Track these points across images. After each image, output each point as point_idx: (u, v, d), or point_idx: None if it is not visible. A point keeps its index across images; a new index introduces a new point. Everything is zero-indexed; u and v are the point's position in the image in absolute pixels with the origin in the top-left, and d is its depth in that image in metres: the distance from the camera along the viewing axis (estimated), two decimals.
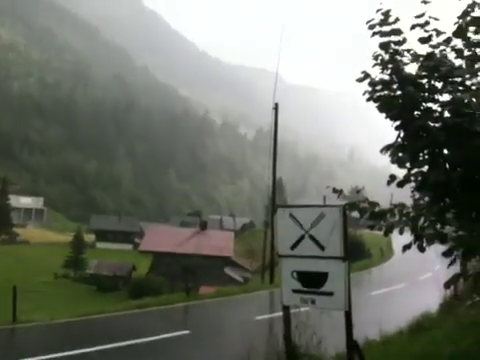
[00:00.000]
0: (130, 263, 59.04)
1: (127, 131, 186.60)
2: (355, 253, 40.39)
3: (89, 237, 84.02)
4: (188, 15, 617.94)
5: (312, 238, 5.74)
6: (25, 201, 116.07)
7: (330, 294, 5.61)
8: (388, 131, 4.43)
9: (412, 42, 4.24)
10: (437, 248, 4.33)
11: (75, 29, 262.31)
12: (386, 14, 4.14)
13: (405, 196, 4.63)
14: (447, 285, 4.26)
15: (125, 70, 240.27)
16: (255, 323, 12.73)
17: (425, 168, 4.16)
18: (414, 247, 4.33)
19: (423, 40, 4.17)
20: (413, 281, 25.31)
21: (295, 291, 5.90)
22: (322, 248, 5.67)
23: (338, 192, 4.74)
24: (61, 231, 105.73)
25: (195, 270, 41.50)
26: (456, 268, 4.37)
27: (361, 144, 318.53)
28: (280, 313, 6.21)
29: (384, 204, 4.61)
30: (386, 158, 4.33)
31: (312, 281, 5.79)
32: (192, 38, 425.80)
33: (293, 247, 5.88)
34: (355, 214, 4.78)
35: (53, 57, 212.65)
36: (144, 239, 55.14)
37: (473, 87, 4.12)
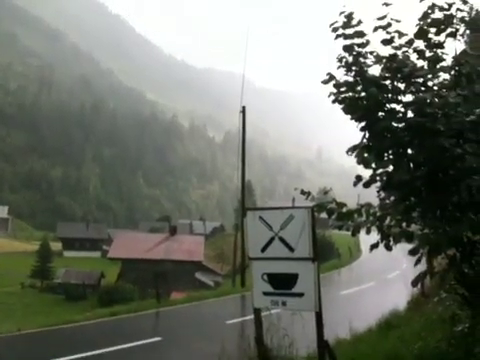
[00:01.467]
0: (99, 271, 58.27)
1: (94, 136, 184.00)
2: (324, 253, 40.88)
3: (56, 245, 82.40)
4: (153, 19, 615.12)
5: (282, 240, 5.76)
6: None
7: (300, 295, 5.63)
8: (355, 131, 4.48)
9: (375, 44, 4.30)
10: (404, 247, 4.39)
11: (39, 33, 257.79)
12: (349, 17, 4.19)
13: (373, 195, 4.69)
14: (414, 283, 4.33)
15: (90, 74, 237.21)
16: (227, 327, 12.70)
17: (390, 168, 4.22)
18: (381, 246, 4.38)
19: (386, 42, 4.23)
20: (381, 280, 25.74)
21: (266, 293, 5.91)
22: (292, 249, 5.69)
23: (306, 194, 4.77)
24: (27, 240, 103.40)
25: (165, 276, 41.17)
26: (423, 266, 4.44)
27: (329, 144, 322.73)
28: (252, 316, 6.21)
29: (352, 204, 4.66)
30: (353, 158, 4.37)
31: (282, 283, 5.80)
32: (157, 42, 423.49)
33: (263, 249, 5.89)
34: (324, 215, 4.81)
35: (16, 61, 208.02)
36: (112, 246, 54.36)
37: (435, 87, 4.20)
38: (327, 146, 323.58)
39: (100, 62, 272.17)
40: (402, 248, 4.27)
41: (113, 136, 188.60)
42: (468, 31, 4.66)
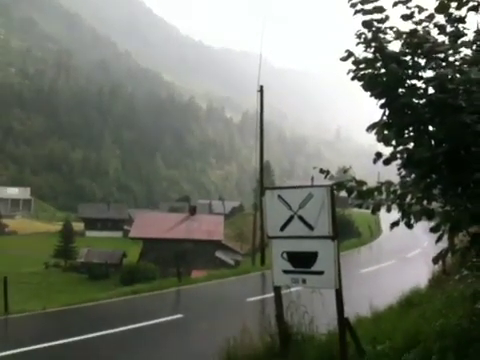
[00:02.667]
0: (120, 250, 59.01)
1: (112, 118, 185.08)
2: (344, 232, 40.77)
3: (78, 226, 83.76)
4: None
5: (301, 218, 5.79)
6: (12, 192, 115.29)
7: (320, 273, 5.68)
8: (374, 109, 4.44)
9: (395, 19, 4.23)
10: (425, 224, 4.37)
11: (57, 17, 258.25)
12: None
13: (393, 173, 4.66)
14: (435, 260, 4.32)
15: (108, 57, 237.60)
16: (247, 304, 12.85)
17: (411, 145, 4.18)
18: (402, 224, 4.37)
19: (405, 17, 4.16)
20: (402, 258, 25.64)
21: (286, 271, 5.97)
22: (311, 228, 5.72)
23: (325, 173, 4.76)
24: (49, 221, 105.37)
25: (186, 255, 41.68)
26: (444, 243, 4.43)
27: (348, 123, 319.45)
28: (272, 294, 6.28)
29: (372, 183, 4.64)
30: (372, 137, 4.34)
31: (302, 261, 5.85)
32: (174, 22, 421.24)
33: (282, 228, 5.93)
34: (343, 194, 4.80)
35: (34, 46, 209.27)
36: (133, 226, 55.02)
37: (456, 63, 4.13)
38: (346, 126, 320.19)
39: (117, 45, 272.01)
40: (423, 226, 4.25)
41: (131, 119, 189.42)
42: None
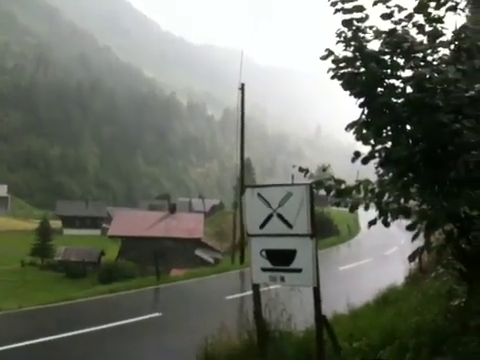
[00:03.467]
0: (99, 248, 58.62)
1: (92, 114, 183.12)
2: (323, 230, 41.03)
3: (56, 223, 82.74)
4: None
5: (280, 217, 5.80)
6: None
7: (299, 271, 5.70)
8: (355, 108, 4.47)
9: (374, 19, 4.26)
10: (403, 222, 4.42)
11: (36, 11, 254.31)
12: None
13: (373, 172, 4.70)
14: (411, 258, 4.37)
15: (88, 52, 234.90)
16: (226, 302, 12.84)
17: (389, 144, 4.22)
18: (380, 223, 4.41)
19: (385, 16, 4.19)
20: (380, 256, 25.96)
21: (264, 269, 5.97)
22: (290, 226, 5.73)
23: (304, 171, 4.78)
24: (26, 218, 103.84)
25: (165, 253, 41.46)
26: (421, 241, 4.48)
27: (328, 121, 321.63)
28: (251, 292, 6.28)
29: (352, 181, 4.67)
30: (353, 135, 4.37)
31: (281, 259, 5.86)
32: (155, 18, 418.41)
33: (262, 226, 5.94)
34: (323, 192, 4.82)
35: (13, 41, 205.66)
36: (112, 224, 54.63)
37: (434, 62, 4.18)
38: (326, 124, 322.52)
39: (98, 39, 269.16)
40: (401, 224, 4.30)
41: (111, 115, 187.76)
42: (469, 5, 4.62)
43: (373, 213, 4.46)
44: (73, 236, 78.16)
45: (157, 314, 11.68)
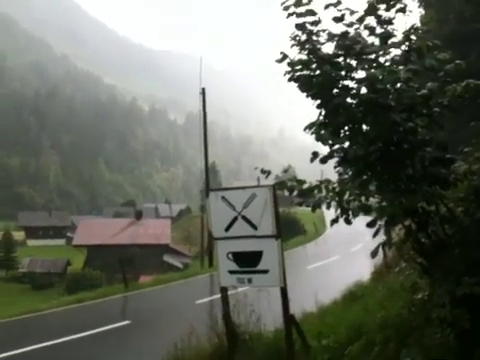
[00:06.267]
0: (64, 258, 57.56)
1: (50, 122, 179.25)
2: (290, 230, 41.41)
3: (19, 235, 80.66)
4: (106, 2, 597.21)
5: (245, 219, 5.84)
6: None
7: (265, 272, 5.76)
8: (314, 109, 4.54)
9: (327, 22, 4.34)
10: (367, 219, 4.51)
11: None
12: None
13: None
14: (373, 254, 4.47)
15: (45, 60, 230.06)
16: (196, 307, 12.79)
17: (346, 144, 4.31)
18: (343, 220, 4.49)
19: (337, 19, 4.28)
20: (346, 253, 26.32)
21: (231, 272, 6.01)
22: (255, 228, 5.78)
23: (266, 173, 4.83)
24: None
25: (133, 260, 40.94)
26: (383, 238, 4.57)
27: (291, 122, 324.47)
28: (220, 295, 6.29)
29: (315, 180, 4.73)
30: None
31: (247, 261, 5.90)
32: (112, 25, 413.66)
33: (227, 229, 5.97)
34: (286, 192, 4.88)
35: None
36: (77, 233, 53.62)
37: (386, 63, 4.29)
38: (289, 124, 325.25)
39: (55, 48, 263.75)
40: (366, 221, 4.40)
41: (71, 122, 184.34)
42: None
43: (337, 211, 4.54)
44: (37, 247, 76.42)
45: (126, 322, 11.55)
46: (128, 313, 14.03)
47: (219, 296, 6.38)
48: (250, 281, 5.91)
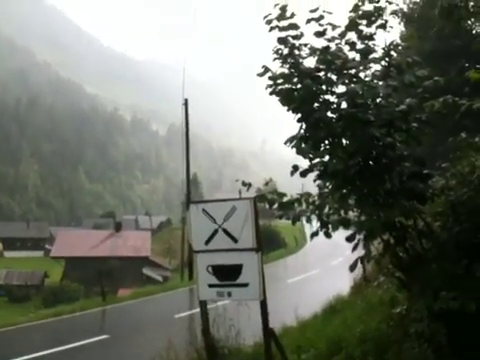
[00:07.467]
0: (42, 271, 56.57)
1: (31, 131, 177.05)
2: (271, 243, 41.35)
3: None
4: (90, 10, 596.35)
5: (225, 232, 5.80)
6: None
7: (245, 285, 5.71)
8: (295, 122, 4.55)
9: (309, 36, 4.38)
10: (346, 233, 4.52)
11: None
12: (283, 9, 4.24)
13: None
14: (351, 268, 4.48)
15: (26, 68, 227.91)
16: (175, 321, 12.67)
17: (327, 158, 4.33)
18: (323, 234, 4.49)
19: (318, 34, 4.32)
20: (326, 266, 26.37)
21: (211, 285, 5.94)
22: (235, 241, 5.74)
23: (247, 186, 4.83)
24: None
25: (112, 273, 40.44)
26: (362, 252, 4.58)
27: (272, 135, 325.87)
28: (199, 309, 6.23)
29: (296, 194, 4.74)
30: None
31: (227, 274, 5.85)
32: (96, 34, 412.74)
33: (207, 242, 5.92)
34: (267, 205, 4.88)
35: None
36: (55, 244, 52.83)
37: (366, 78, 4.34)
38: (271, 138, 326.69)
39: (37, 56, 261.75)
40: (345, 235, 4.40)
41: (52, 131, 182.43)
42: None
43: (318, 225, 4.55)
44: (14, 258, 75.04)
45: (104, 336, 11.37)
46: (107, 327, 13.81)
47: (199, 310, 6.32)
48: (230, 295, 5.85)
